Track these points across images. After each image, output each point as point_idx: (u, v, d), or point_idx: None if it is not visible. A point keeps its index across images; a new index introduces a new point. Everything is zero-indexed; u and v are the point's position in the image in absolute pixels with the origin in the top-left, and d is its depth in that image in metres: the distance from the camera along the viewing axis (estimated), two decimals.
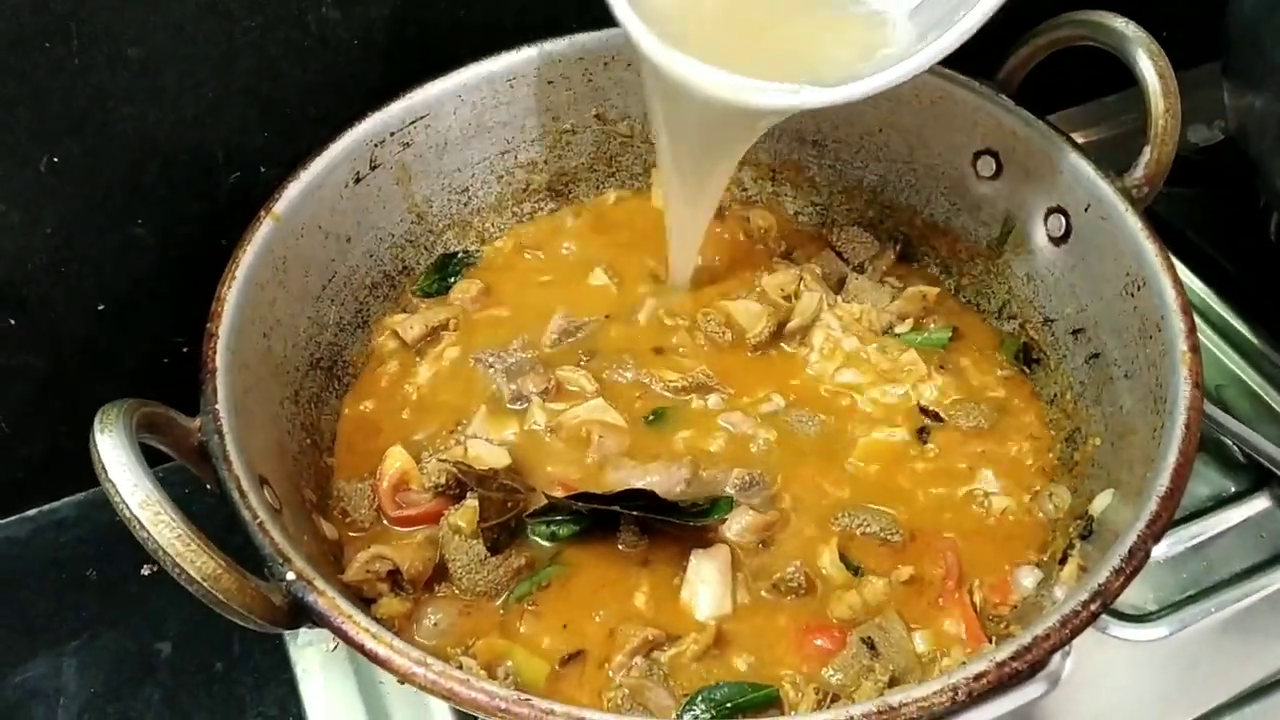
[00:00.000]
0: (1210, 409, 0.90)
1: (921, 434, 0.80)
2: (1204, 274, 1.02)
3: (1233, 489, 0.89)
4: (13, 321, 0.83)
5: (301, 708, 0.79)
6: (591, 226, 0.94)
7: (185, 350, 0.88)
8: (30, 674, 0.82)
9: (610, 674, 0.67)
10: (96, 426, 0.56)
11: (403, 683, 0.77)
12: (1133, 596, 0.82)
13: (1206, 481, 0.89)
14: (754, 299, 0.85)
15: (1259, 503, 0.87)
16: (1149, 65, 0.74)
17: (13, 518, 0.91)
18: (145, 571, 0.86)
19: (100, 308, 0.86)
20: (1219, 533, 0.86)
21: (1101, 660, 0.79)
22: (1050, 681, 0.77)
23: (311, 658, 0.81)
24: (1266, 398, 0.94)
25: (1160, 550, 0.84)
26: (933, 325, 0.87)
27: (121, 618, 0.84)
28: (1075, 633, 0.57)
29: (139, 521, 0.54)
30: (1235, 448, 0.90)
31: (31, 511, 0.92)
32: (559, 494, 0.74)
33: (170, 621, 0.84)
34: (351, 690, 0.79)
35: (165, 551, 0.55)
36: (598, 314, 0.87)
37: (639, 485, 0.74)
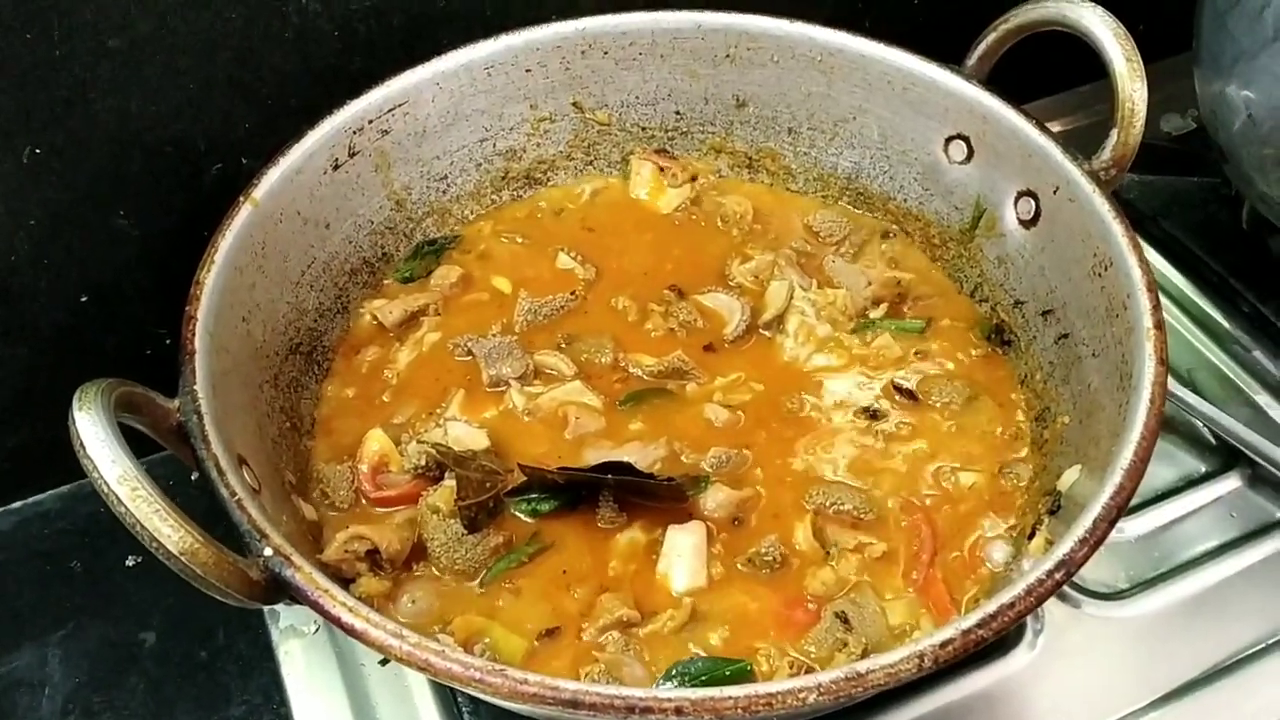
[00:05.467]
0: (1182, 392, 0.91)
1: (888, 412, 0.80)
2: (1177, 260, 1.04)
3: (1204, 469, 0.90)
4: None
5: (285, 695, 0.79)
6: (570, 214, 0.95)
7: (168, 341, 0.88)
8: (16, 664, 0.82)
9: (587, 650, 0.67)
10: (75, 404, 0.56)
11: (383, 663, 0.78)
12: (1106, 574, 0.83)
13: (1178, 462, 0.90)
14: (725, 291, 0.87)
15: (1229, 483, 0.88)
16: (1115, 48, 0.75)
17: None
18: (130, 563, 0.86)
19: (83, 299, 0.86)
20: (1190, 512, 0.87)
21: (1075, 637, 0.79)
22: (1023, 659, 0.78)
23: (294, 645, 0.81)
24: (1236, 380, 0.95)
25: (1133, 529, 0.85)
26: (908, 312, 0.88)
27: (106, 608, 0.85)
28: (1040, 601, 0.57)
29: (116, 497, 0.55)
30: (1206, 429, 0.91)
31: (16, 504, 0.92)
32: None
33: (154, 612, 0.84)
34: (334, 677, 0.79)
35: (143, 526, 0.55)
36: (571, 299, 0.87)
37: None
